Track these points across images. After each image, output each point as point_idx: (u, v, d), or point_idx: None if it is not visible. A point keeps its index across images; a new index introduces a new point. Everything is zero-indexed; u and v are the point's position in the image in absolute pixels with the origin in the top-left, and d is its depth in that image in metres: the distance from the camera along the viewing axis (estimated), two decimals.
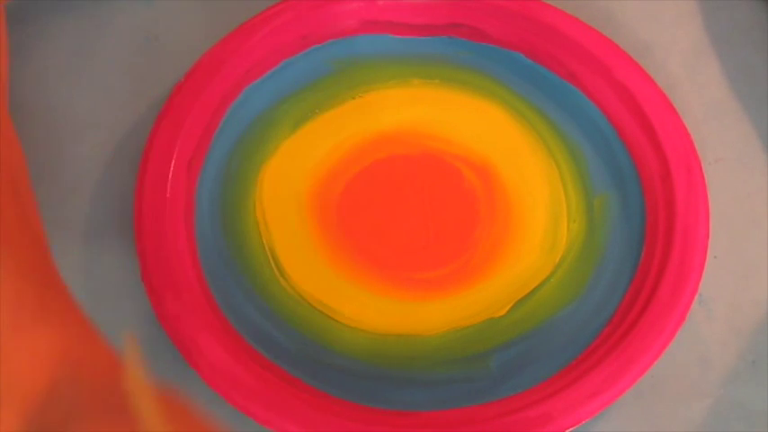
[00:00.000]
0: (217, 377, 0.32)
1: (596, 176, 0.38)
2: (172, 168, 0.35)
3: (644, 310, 0.34)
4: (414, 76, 0.40)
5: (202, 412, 0.33)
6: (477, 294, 0.36)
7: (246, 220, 0.36)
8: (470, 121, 0.39)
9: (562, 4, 0.39)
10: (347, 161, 0.38)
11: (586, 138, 0.39)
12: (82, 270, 0.35)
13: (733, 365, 0.36)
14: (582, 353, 0.34)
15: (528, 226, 0.37)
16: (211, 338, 0.32)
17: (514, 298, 0.36)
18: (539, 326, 0.35)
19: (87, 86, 0.39)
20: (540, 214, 0.37)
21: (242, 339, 0.34)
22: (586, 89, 0.39)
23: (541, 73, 0.39)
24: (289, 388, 0.32)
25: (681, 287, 0.34)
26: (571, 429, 0.32)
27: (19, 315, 0.25)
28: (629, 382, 0.33)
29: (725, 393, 0.35)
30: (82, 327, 0.27)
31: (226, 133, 0.38)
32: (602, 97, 0.38)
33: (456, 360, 0.35)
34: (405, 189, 0.37)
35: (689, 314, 0.34)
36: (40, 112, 0.38)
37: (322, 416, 0.32)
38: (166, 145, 0.35)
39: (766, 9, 0.42)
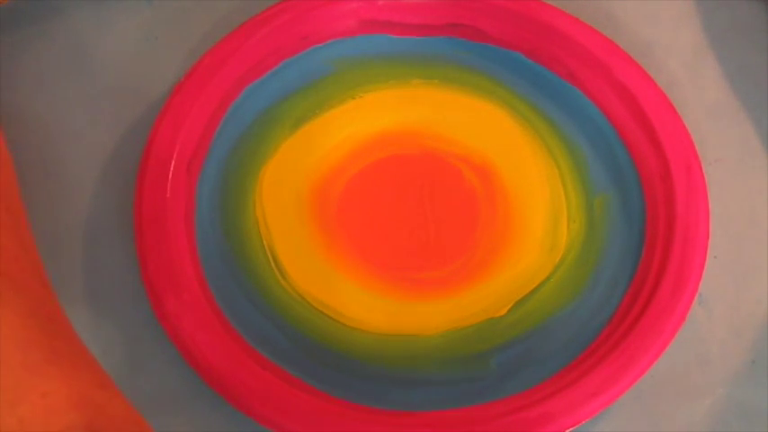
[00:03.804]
0: (217, 377, 0.32)
1: (596, 176, 0.38)
2: (172, 168, 0.35)
3: (644, 310, 0.34)
4: (413, 76, 0.40)
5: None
6: (477, 294, 0.36)
7: (246, 220, 0.36)
8: (470, 121, 0.39)
9: (562, 4, 0.39)
10: (347, 161, 0.38)
11: (586, 138, 0.39)
12: (82, 270, 0.35)
13: (733, 365, 0.36)
14: (582, 353, 0.34)
15: (528, 226, 0.37)
16: (211, 338, 0.32)
17: (514, 298, 0.36)
18: (539, 326, 0.35)
19: (87, 86, 0.39)
20: (540, 214, 0.37)
21: (242, 339, 0.34)
22: (586, 89, 0.39)
23: (541, 73, 0.39)
24: (289, 388, 0.32)
25: (681, 287, 0.34)
26: (571, 429, 0.32)
27: (28, 356, 0.24)
28: (629, 382, 0.33)
29: (725, 393, 0.35)
30: (94, 373, 0.25)
31: (226, 133, 0.38)
32: (602, 97, 0.38)
33: (456, 360, 0.35)
34: (405, 189, 0.37)
35: (689, 314, 0.34)
36: (41, 113, 0.38)
37: (322, 416, 0.32)
38: (166, 145, 0.35)
39: (766, 9, 0.42)
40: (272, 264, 0.36)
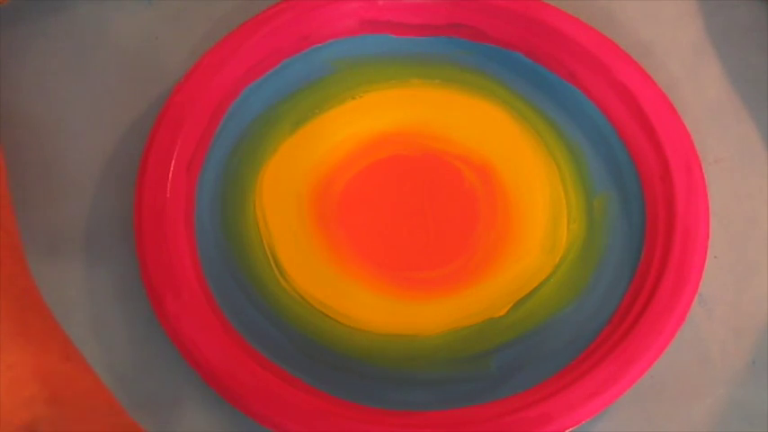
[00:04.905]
0: (217, 377, 0.32)
1: (596, 176, 0.38)
2: (172, 168, 0.35)
3: (644, 310, 0.34)
4: (414, 76, 0.40)
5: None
6: (477, 294, 0.36)
7: (246, 220, 0.36)
8: (470, 121, 0.39)
9: (562, 4, 0.39)
10: (347, 161, 0.38)
11: (586, 138, 0.39)
12: (82, 270, 0.35)
13: (733, 365, 0.36)
14: (582, 353, 0.34)
15: (528, 226, 0.37)
16: (211, 338, 0.32)
17: (514, 298, 0.36)
18: (539, 326, 0.35)
19: (87, 86, 0.39)
20: (540, 214, 0.37)
21: (242, 339, 0.34)
22: (586, 89, 0.39)
23: (541, 73, 0.39)
24: (289, 388, 0.32)
25: (681, 287, 0.34)
26: (571, 429, 0.32)
27: None
28: (629, 382, 0.33)
29: (725, 393, 0.35)
30: (61, 345, 0.26)
31: (226, 133, 0.38)
32: (602, 97, 0.38)
33: (456, 360, 0.35)
34: (405, 189, 0.37)
35: (689, 314, 0.34)
36: (40, 112, 0.38)
37: (322, 416, 0.32)
38: (166, 145, 0.35)
39: (766, 9, 0.42)
40: (272, 264, 0.36)
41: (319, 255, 0.36)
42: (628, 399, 0.33)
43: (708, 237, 0.35)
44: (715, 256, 0.37)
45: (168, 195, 0.35)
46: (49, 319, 0.27)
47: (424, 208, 0.37)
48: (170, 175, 0.35)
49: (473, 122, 0.39)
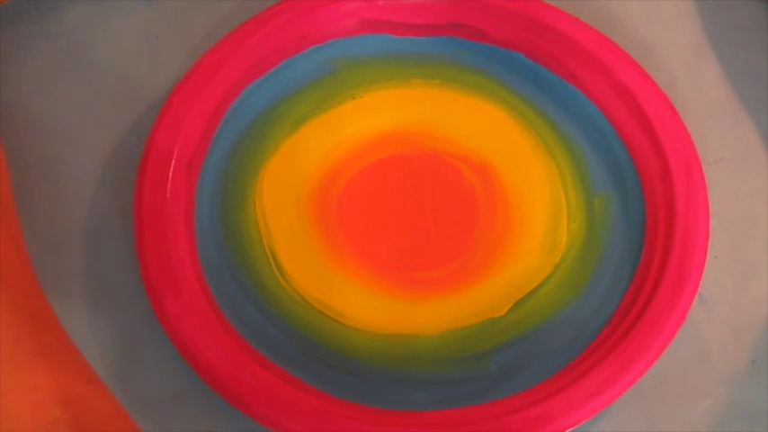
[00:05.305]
0: (217, 377, 0.32)
1: (596, 176, 0.38)
2: (172, 168, 0.35)
3: (644, 310, 0.34)
4: (414, 76, 0.40)
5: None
6: (477, 294, 0.36)
7: (246, 220, 0.36)
8: (470, 121, 0.39)
9: (562, 4, 0.39)
10: (347, 161, 0.38)
11: (586, 138, 0.39)
12: (82, 270, 0.35)
13: (733, 365, 0.36)
14: (582, 353, 0.34)
15: (528, 226, 0.37)
16: (211, 338, 0.32)
17: (514, 298, 0.36)
18: (539, 326, 0.35)
19: (87, 86, 0.39)
20: (540, 214, 0.37)
21: (242, 339, 0.34)
22: (586, 89, 0.39)
23: (541, 73, 0.39)
24: (289, 388, 0.32)
25: (681, 287, 0.34)
26: (571, 429, 0.32)
27: (18, 351, 0.24)
28: (629, 382, 0.33)
29: (725, 393, 0.35)
30: (81, 368, 0.26)
31: (226, 133, 0.38)
32: (602, 97, 0.38)
33: (456, 360, 0.35)
34: (405, 189, 0.37)
35: (689, 314, 0.34)
36: (40, 113, 0.38)
37: (322, 416, 0.32)
38: (166, 145, 0.35)
39: (766, 9, 0.42)
40: (272, 264, 0.36)
41: (319, 255, 0.36)
42: (628, 399, 0.33)
43: (708, 237, 0.35)
44: (715, 256, 0.37)
45: (168, 195, 0.35)
46: (67, 342, 0.27)
47: (424, 208, 0.37)
48: (170, 175, 0.35)
49: (473, 122, 0.39)
